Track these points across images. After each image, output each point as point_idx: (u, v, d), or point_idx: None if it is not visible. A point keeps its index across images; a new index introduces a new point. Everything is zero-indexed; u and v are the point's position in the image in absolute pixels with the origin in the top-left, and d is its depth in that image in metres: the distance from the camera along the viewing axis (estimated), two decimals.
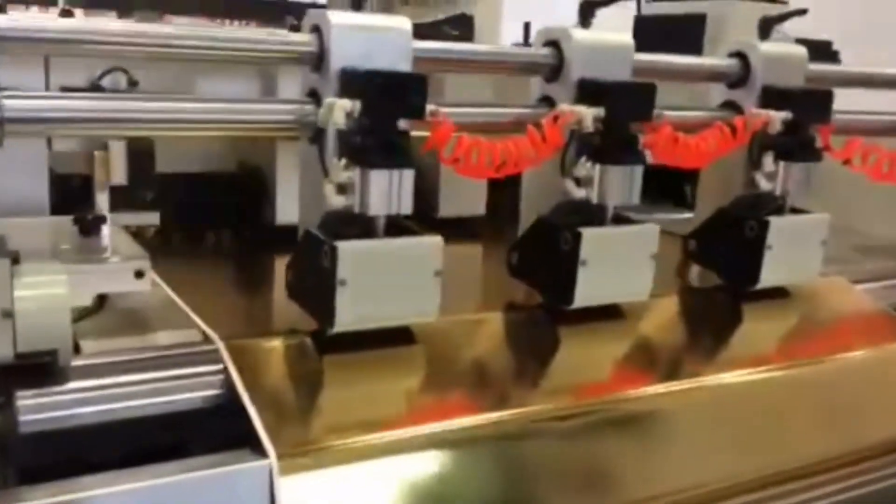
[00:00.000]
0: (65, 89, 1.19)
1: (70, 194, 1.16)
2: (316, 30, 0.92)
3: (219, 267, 1.29)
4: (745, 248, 1.19)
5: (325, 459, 0.78)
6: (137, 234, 1.13)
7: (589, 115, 1.00)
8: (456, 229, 1.32)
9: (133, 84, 1.22)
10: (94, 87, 1.22)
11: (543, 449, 0.89)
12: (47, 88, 1.18)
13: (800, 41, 1.67)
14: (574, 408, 0.93)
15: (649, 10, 1.99)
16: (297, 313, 0.95)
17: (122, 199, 1.17)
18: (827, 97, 1.19)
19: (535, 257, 1.09)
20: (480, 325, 1.06)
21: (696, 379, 1.03)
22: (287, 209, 1.37)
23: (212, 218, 1.40)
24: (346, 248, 0.87)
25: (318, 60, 0.92)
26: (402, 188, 0.89)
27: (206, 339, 0.91)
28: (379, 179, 0.88)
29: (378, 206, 0.89)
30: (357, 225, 0.91)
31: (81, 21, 0.82)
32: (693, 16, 1.98)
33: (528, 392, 0.96)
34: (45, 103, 0.82)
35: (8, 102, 0.77)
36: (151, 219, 1.25)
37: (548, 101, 1.08)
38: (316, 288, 0.91)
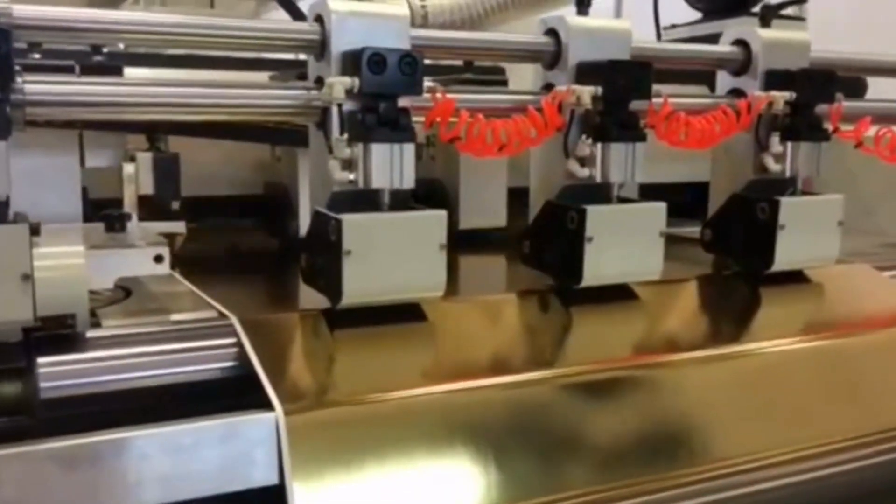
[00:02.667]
0: None
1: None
2: (318, 19, 0.97)
3: (247, 275, 1.33)
4: (758, 230, 1.19)
5: (327, 413, 0.80)
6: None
7: (586, 92, 1.03)
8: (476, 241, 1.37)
9: None
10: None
11: (545, 412, 0.90)
12: None
13: None
14: (583, 374, 0.94)
15: (670, 35, 2.02)
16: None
17: (150, 209, 1.24)
18: (830, 77, 1.20)
19: (545, 241, 1.11)
20: (491, 306, 1.08)
21: (713, 352, 1.03)
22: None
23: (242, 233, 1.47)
24: (350, 220, 0.91)
25: (321, 48, 0.96)
26: (404, 162, 0.93)
27: (222, 316, 0.94)
28: (380, 153, 0.92)
29: (380, 180, 0.92)
30: (363, 203, 0.95)
31: (92, 11, 0.87)
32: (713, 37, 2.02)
33: (533, 361, 0.97)
34: (65, 88, 0.87)
35: (31, 87, 0.83)
36: (178, 227, 1.31)
37: (549, 88, 1.11)
38: (325, 265, 0.94)
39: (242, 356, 0.87)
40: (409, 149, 0.93)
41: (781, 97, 1.17)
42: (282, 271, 1.37)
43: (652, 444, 0.92)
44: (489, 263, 1.40)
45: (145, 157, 1.20)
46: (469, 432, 0.85)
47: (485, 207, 1.43)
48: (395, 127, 0.92)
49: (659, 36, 2.09)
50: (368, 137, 0.91)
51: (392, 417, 0.83)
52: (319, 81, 0.98)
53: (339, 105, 0.91)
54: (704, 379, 1.02)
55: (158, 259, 0.98)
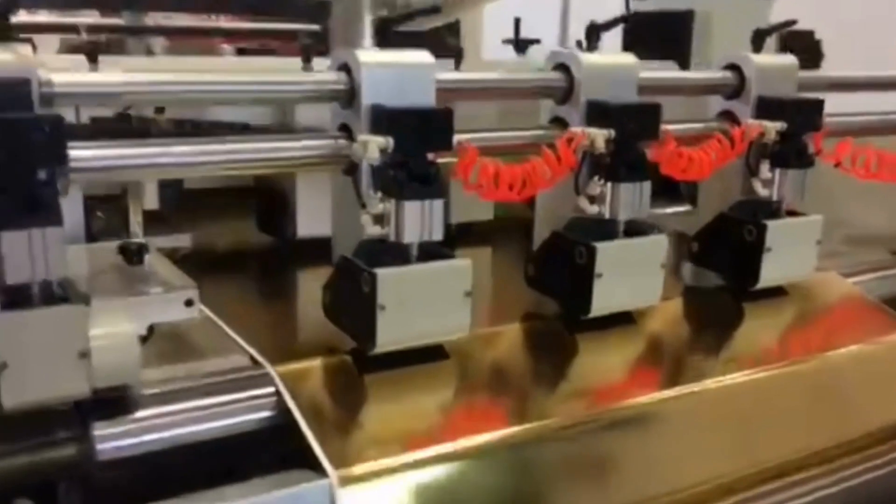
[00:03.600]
0: (94, 120, 1.25)
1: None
2: (344, 67, 0.98)
3: (249, 280, 1.35)
4: (745, 250, 1.27)
5: (381, 474, 0.85)
6: (169, 254, 1.19)
7: (601, 136, 1.07)
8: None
9: (160, 110, 1.28)
10: (122, 116, 1.28)
11: (593, 450, 0.97)
12: (77, 119, 1.23)
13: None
14: (613, 411, 1.01)
15: (639, 6, 2.06)
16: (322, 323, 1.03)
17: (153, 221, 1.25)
18: (818, 106, 1.27)
19: (551, 269, 1.16)
20: (505, 337, 1.13)
21: (713, 377, 1.11)
22: (306, 223, 1.44)
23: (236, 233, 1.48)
24: (385, 275, 0.94)
25: (348, 97, 0.97)
26: (434, 216, 0.96)
27: (255, 363, 0.98)
28: (412, 210, 0.95)
29: (412, 235, 0.96)
30: (391, 250, 0.98)
31: (119, 75, 0.87)
32: (682, 13, 2.08)
33: (562, 396, 1.04)
34: (112, 152, 0.87)
35: (76, 153, 0.82)
36: (183, 241, 1.32)
37: (559, 122, 1.14)
38: (355, 311, 0.98)
39: (283, 406, 0.92)
40: (440, 204, 0.96)
41: (773, 128, 1.23)
42: (283, 277, 1.40)
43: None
44: None
45: None
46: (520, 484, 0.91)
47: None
48: (426, 183, 0.95)
49: (627, 6, 2.13)
50: (402, 195, 0.94)
51: (443, 474, 0.89)
52: (345, 129, 1.00)
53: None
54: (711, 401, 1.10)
55: (189, 304, 1.00)
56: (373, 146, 0.91)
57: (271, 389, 0.94)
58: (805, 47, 2.25)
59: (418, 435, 0.92)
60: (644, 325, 1.18)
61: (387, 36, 1.03)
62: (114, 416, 0.85)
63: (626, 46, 2.44)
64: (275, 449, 0.92)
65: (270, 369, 0.94)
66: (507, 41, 2.04)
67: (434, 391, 1.01)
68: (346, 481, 0.83)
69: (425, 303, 0.97)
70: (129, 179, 1.03)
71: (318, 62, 1.46)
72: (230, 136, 1.02)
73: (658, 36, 2.24)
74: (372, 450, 0.88)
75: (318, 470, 0.85)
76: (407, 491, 0.85)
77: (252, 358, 0.98)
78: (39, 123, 0.74)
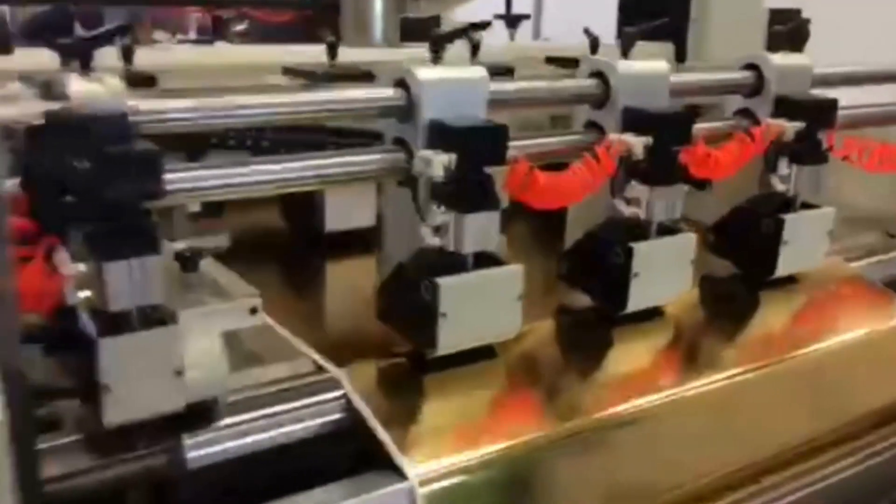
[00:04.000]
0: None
1: None
2: (401, 84, 1.02)
3: (287, 280, 1.39)
4: (762, 242, 1.34)
5: (457, 472, 0.91)
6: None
7: (639, 144, 1.12)
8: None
9: None
10: None
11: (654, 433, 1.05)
12: None
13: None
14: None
15: None
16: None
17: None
18: (833, 106, 1.33)
19: (586, 267, 1.22)
20: (544, 333, 1.19)
21: (749, 363, 1.19)
22: (334, 218, 1.48)
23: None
24: (447, 284, 0.99)
25: (406, 112, 1.01)
26: (491, 227, 1.01)
27: (319, 367, 1.02)
28: (473, 222, 0.99)
29: (471, 245, 1.01)
30: (447, 258, 1.03)
31: (196, 101, 0.90)
32: None
33: (616, 385, 1.11)
34: (202, 174, 0.90)
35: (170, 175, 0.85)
36: (221, 240, 1.35)
37: (594, 126, 1.19)
38: (414, 316, 1.03)
39: (351, 409, 0.97)
40: (496, 215, 1.01)
41: (792, 128, 1.29)
42: (319, 274, 1.44)
43: None
44: None
45: None
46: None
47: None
48: (484, 196, 0.99)
49: None
50: (463, 208, 0.98)
51: (517, 467, 0.95)
52: (400, 143, 1.03)
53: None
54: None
55: (254, 311, 1.04)
56: (437, 164, 0.96)
57: (339, 393, 0.99)
58: (791, 26, 2.33)
59: (487, 431, 0.98)
60: (672, 316, 1.25)
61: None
62: (200, 425, 0.90)
63: (622, 25, 2.49)
64: (342, 453, 0.98)
65: (338, 373, 1.00)
66: (498, 17, 2.07)
67: (491, 388, 1.07)
68: (425, 482, 0.89)
69: (481, 307, 1.03)
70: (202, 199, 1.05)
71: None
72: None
73: (654, 15, 2.28)
74: (444, 448, 0.93)
75: (393, 471, 0.91)
76: (484, 486, 0.92)
77: (315, 363, 1.04)
78: (140, 157, 0.77)
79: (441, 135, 0.99)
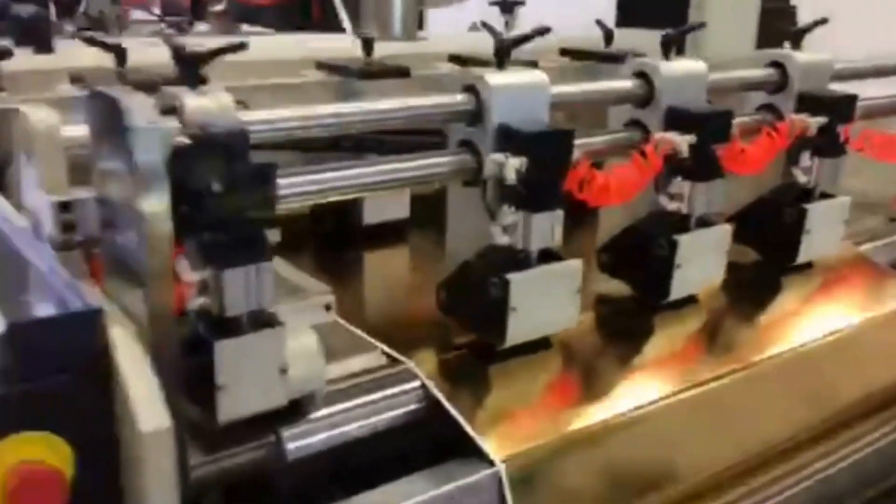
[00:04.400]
0: None
1: None
2: (471, 89, 1.07)
3: (337, 272, 1.44)
4: (785, 230, 1.42)
5: (540, 456, 0.98)
6: None
7: (685, 142, 1.19)
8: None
9: None
10: None
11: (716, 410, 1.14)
12: None
13: None
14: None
15: None
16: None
17: None
18: (853, 101, 1.41)
19: (627, 259, 1.28)
20: (591, 321, 1.26)
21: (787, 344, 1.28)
22: (372, 211, 1.53)
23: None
24: (516, 280, 1.05)
25: (475, 117, 1.06)
26: (556, 224, 1.07)
27: (393, 360, 1.08)
28: (540, 221, 1.05)
29: (538, 242, 1.07)
30: (511, 255, 1.09)
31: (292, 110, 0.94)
32: None
33: (670, 365, 1.20)
34: (316, 177, 0.96)
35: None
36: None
37: (637, 125, 1.26)
38: (482, 311, 1.09)
39: (430, 399, 1.03)
40: (562, 214, 1.07)
41: (816, 123, 1.36)
42: (356, 263, 1.49)
43: None
44: None
45: None
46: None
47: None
48: (552, 196, 1.05)
49: None
50: (532, 208, 1.04)
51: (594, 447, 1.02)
52: (467, 145, 1.08)
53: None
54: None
55: (328, 308, 1.09)
56: (511, 168, 1.01)
57: (416, 384, 1.05)
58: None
59: (560, 413, 1.04)
60: (706, 303, 1.33)
61: None
62: (295, 419, 0.95)
63: (620, 13, 2.55)
64: (420, 441, 1.04)
65: (412, 365, 1.05)
66: (493, 3, 2.10)
67: (554, 374, 1.13)
68: (511, 465, 0.95)
69: (545, 301, 1.09)
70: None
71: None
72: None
73: (653, 4, 2.35)
74: (523, 432, 1.00)
75: (477, 457, 0.97)
76: (565, 466, 0.98)
77: (387, 354, 1.09)
78: (260, 173, 0.81)
79: (512, 139, 1.04)
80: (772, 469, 1.15)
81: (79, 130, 0.80)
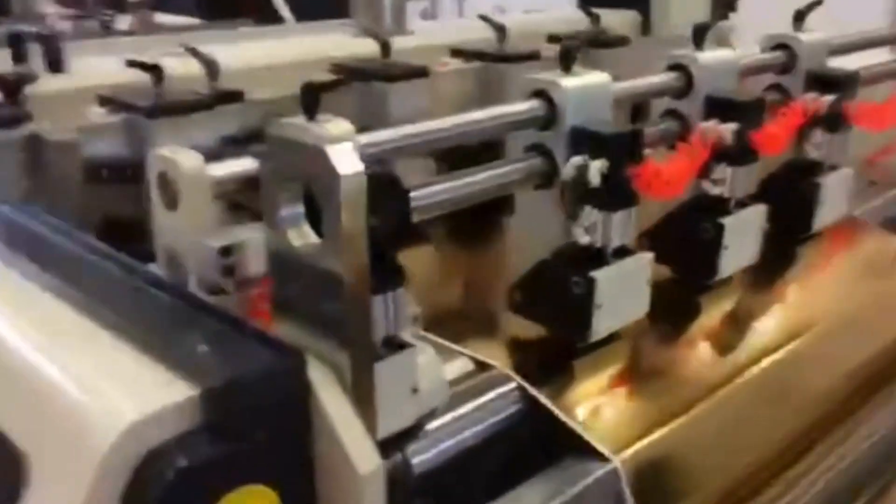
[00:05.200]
0: (226, 140, 1.27)
1: None
2: (540, 94, 1.09)
3: None
4: (799, 203, 1.50)
5: (650, 450, 1.02)
6: None
7: (728, 130, 1.24)
8: None
9: None
10: (255, 134, 1.31)
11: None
12: None
13: None
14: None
15: None
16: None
17: None
18: (856, 78, 1.49)
19: (671, 243, 1.33)
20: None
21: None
22: None
23: None
24: (601, 277, 1.08)
25: (546, 122, 1.08)
26: (631, 221, 1.11)
27: (482, 365, 1.10)
28: (619, 219, 1.09)
29: (618, 240, 1.10)
30: (586, 252, 1.12)
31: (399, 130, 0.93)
32: None
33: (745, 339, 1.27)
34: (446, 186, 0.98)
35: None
36: None
37: (675, 115, 1.30)
38: (564, 309, 1.12)
39: (529, 401, 1.05)
40: (635, 210, 1.10)
41: (827, 101, 1.44)
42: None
43: None
44: None
45: None
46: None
47: None
48: (630, 195, 1.09)
49: None
50: (613, 208, 1.07)
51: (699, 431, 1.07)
52: (538, 149, 1.11)
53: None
54: None
55: (415, 319, 1.09)
56: (595, 171, 1.04)
57: (512, 386, 1.07)
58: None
59: (659, 404, 1.09)
60: (742, 280, 1.40)
61: None
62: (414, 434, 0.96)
63: None
64: (525, 444, 1.06)
65: (505, 370, 1.07)
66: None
67: (636, 365, 1.18)
68: (628, 461, 0.99)
69: (624, 294, 1.13)
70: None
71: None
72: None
73: None
74: (630, 425, 1.04)
75: (590, 455, 1.00)
76: (679, 456, 1.03)
77: (474, 360, 1.11)
78: (402, 202, 0.81)
79: (588, 141, 1.06)
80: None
81: (222, 170, 0.78)
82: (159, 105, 1.18)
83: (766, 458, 1.14)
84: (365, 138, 0.90)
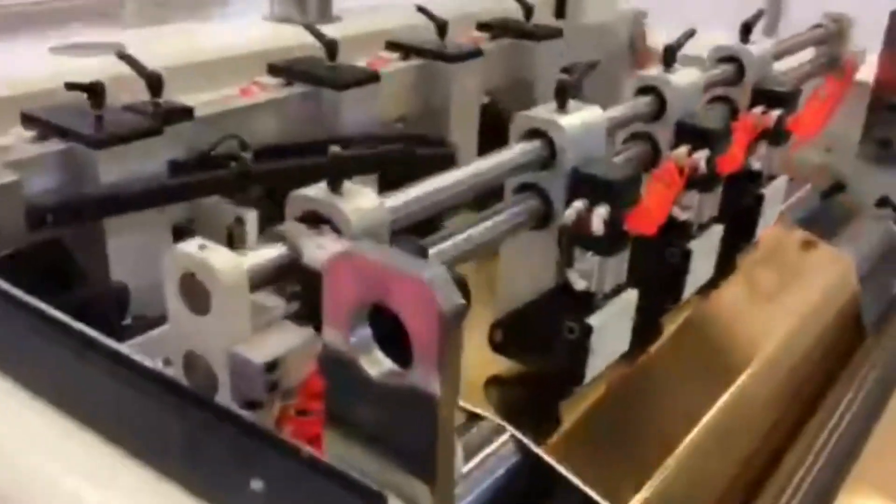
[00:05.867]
0: (173, 164, 1.14)
1: None
2: (537, 134, 1.03)
3: None
4: (745, 215, 1.53)
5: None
6: None
7: (702, 160, 1.23)
8: None
9: (244, 147, 1.19)
10: (205, 157, 1.18)
11: None
12: None
13: None
14: None
15: None
16: None
17: None
18: (798, 93, 1.52)
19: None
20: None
21: None
22: None
23: None
24: (597, 324, 1.06)
25: (545, 162, 1.03)
26: (624, 262, 1.09)
27: (472, 415, 1.05)
28: (616, 262, 1.06)
29: (611, 283, 1.08)
30: (576, 295, 1.09)
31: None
32: None
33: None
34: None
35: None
36: None
37: (644, 138, 1.28)
38: (552, 352, 1.08)
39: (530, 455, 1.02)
40: (628, 252, 1.08)
41: (774, 116, 1.46)
42: None
43: None
44: None
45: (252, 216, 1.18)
46: None
47: None
48: (625, 236, 1.06)
49: None
50: (610, 252, 1.04)
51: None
52: (530, 189, 1.05)
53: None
54: None
55: None
56: (598, 219, 1.00)
57: (505, 437, 1.03)
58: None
59: (660, 442, 1.09)
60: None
61: None
62: None
63: None
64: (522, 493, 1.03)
65: (498, 420, 1.03)
66: None
67: (624, 402, 1.17)
68: None
69: (613, 334, 1.11)
70: None
71: None
72: None
73: None
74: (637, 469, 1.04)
75: None
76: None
77: (467, 411, 1.06)
78: None
79: (591, 185, 1.02)
80: None
81: (256, 259, 0.69)
82: (105, 133, 1.04)
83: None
84: (391, 204, 0.83)
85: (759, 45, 1.51)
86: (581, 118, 1.05)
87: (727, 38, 1.53)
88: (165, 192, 1.07)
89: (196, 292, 0.65)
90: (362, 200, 0.77)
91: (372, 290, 0.59)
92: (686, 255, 1.28)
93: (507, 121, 1.07)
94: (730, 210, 1.51)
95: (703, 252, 1.33)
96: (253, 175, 1.14)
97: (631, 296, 1.13)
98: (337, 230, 0.75)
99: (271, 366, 0.65)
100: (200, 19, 1.73)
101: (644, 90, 1.27)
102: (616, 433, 1.16)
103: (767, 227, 1.58)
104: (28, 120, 1.08)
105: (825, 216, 1.97)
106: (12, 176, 0.93)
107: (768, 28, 3.87)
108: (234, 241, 1.18)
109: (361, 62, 1.50)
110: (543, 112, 1.04)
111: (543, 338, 1.09)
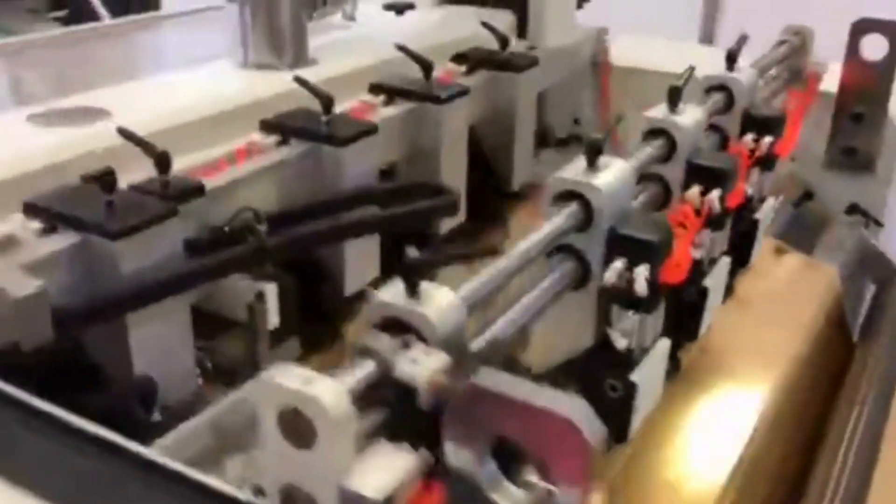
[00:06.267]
0: (188, 243, 1.09)
1: None
2: (573, 196, 1.02)
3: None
4: (742, 239, 1.55)
5: None
6: None
7: (716, 200, 1.24)
8: None
9: (259, 219, 1.14)
10: (219, 233, 1.13)
11: None
12: None
13: None
14: None
15: None
16: None
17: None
18: (785, 117, 1.55)
19: None
20: None
21: None
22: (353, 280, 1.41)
23: None
24: (641, 381, 1.05)
25: (583, 225, 1.02)
26: (661, 317, 1.09)
27: None
28: (655, 318, 1.06)
29: (651, 338, 1.07)
30: (614, 354, 1.08)
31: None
32: None
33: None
34: None
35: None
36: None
37: (656, 179, 1.28)
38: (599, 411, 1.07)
39: None
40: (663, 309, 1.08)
41: (766, 143, 1.48)
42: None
43: None
44: None
45: (272, 289, 1.14)
46: None
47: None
48: (660, 291, 1.06)
49: None
50: (650, 310, 1.04)
51: None
52: (566, 250, 1.04)
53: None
54: None
55: None
56: (641, 280, 0.99)
57: None
58: None
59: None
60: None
61: None
62: None
63: None
64: None
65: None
66: (387, 7, 1.99)
67: (666, 446, 1.18)
68: None
69: (651, 385, 1.11)
70: None
71: None
72: None
73: None
74: None
75: None
76: None
77: None
78: None
79: (631, 247, 1.01)
80: None
81: (349, 385, 0.66)
82: (121, 221, 0.98)
83: None
84: (464, 297, 0.80)
85: (745, 72, 1.53)
86: (613, 175, 1.04)
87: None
88: (188, 278, 1.02)
89: (300, 428, 0.62)
90: (441, 301, 0.74)
91: (501, 425, 0.56)
92: (703, 294, 1.29)
93: (485, 150, 1.05)
94: (733, 240, 1.54)
95: (716, 287, 1.34)
96: (270, 249, 1.10)
97: (665, 345, 1.13)
98: (422, 337, 0.72)
99: (389, 500, 0.62)
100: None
101: (653, 133, 1.26)
102: (656, 477, 1.17)
103: (760, 248, 1.62)
104: (33, 209, 1.01)
105: (799, 225, 2.02)
106: (36, 281, 0.87)
107: (704, 36, 3.96)
108: (255, 317, 1.14)
109: (344, 105, 1.47)
110: (577, 174, 1.02)
111: (584, 397, 1.08)
